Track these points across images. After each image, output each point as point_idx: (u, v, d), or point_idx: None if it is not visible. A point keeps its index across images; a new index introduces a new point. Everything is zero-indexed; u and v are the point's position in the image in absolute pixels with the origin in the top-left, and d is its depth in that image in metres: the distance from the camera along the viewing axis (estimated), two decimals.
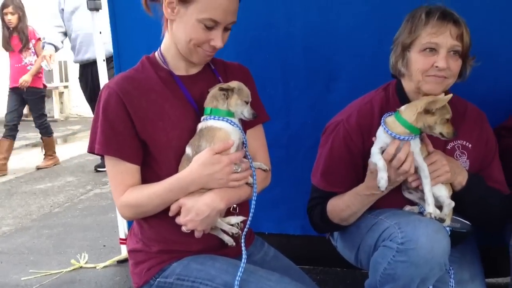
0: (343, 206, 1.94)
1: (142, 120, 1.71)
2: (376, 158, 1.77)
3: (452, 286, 1.77)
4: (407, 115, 1.76)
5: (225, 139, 1.69)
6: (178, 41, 1.73)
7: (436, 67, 1.84)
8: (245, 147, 1.76)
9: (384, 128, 1.78)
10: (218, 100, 1.72)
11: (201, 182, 1.67)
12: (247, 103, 1.74)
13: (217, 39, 1.70)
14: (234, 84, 1.73)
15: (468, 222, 1.89)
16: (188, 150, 1.71)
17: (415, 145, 1.77)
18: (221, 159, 1.65)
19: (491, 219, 1.97)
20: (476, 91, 2.08)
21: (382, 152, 1.77)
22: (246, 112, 1.74)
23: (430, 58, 1.85)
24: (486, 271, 2.03)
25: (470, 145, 1.99)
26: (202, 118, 1.73)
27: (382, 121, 1.82)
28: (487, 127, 2.06)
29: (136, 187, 1.73)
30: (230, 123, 1.72)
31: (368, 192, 1.85)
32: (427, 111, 1.74)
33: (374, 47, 2.57)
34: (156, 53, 1.84)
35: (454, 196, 1.84)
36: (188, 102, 1.77)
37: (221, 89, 1.71)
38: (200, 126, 1.73)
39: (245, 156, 1.77)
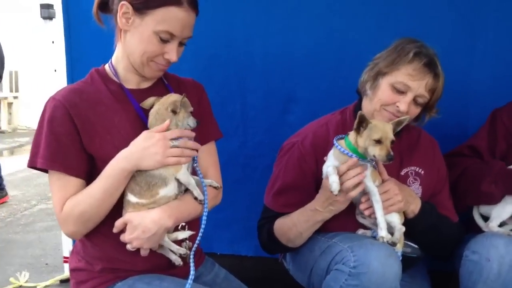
0: (290, 224, 1.92)
1: (89, 134, 1.65)
2: (326, 166, 1.77)
3: None
4: (351, 138, 1.76)
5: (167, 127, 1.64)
6: (131, 53, 1.69)
7: (397, 107, 1.85)
8: (195, 163, 1.71)
9: (336, 145, 1.78)
10: (165, 119, 1.65)
11: (135, 158, 1.58)
12: (191, 113, 1.70)
13: (172, 53, 1.66)
14: (175, 97, 1.67)
15: (417, 247, 1.91)
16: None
17: (368, 171, 1.76)
18: (153, 134, 1.60)
19: (441, 246, 1.99)
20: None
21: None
22: (190, 121, 1.68)
23: (396, 96, 1.87)
24: None
25: (423, 172, 2.02)
26: None
27: (334, 141, 1.81)
28: (438, 154, 2.10)
29: (74, 195, 1.64)
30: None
31: (312, 207, 1.83)
32: (357, 133, 1.72)
33: (332, 70, 2.62)
34: (106, 65, 1.79)
35: (406, 223, 1.85)
36: (139, 116, 1.71)
37: (172, 110, 1.64)
38: None
39: (195, 173, 1.73)
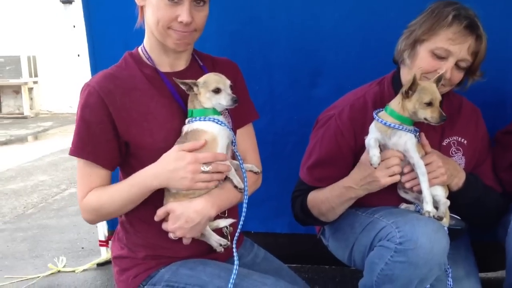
0: (322, 198, 1.90)
1: (125, 121, 1.62)
2: (368, 139, 1.74)
3: (450, 285, 1.74)
4: (394, 105, 1.74)
5: (210, 142, 1.60)
6: (151, 27, 1.66)
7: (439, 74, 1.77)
8: (234, 146, 1.68)
9: (376, 118, 1.74)
10: (193, 100, 1.63)
11: (163, 178, 1.57)
12: (218, 91, 1.60)
13: (183, 14, 1.58)
14: (200, 78, 1.62)
15: (460, 219, 1.86)
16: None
17: (411, 141, 1.72)
18: (185, 156, 1.55)
19: (485, 217, 1.95)
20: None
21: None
22: (223, 100, 1.60)
23: (437, 62, 1.79)
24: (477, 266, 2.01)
25: (465, 141, 1.96)
26: (186, 120, 1.65)
27: (374, 114, 1.78)
28: (481, 123, 2.03)
29: (99, 188, 1.65)
30: (217, 123, 1.62)
31: (346, 184, 1.80)
32: (406, 97, 1.70)
33: (359, 41, 2.54)
34: (139, 49, 1.76)
35: (450, 196, 1.80)
36: (175, 100, 1.68)
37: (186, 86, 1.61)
38: (185, 128, 1.64)
39: (233, 157, 1.70)
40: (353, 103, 1.95)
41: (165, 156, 1.58)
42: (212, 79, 1.62)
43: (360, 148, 1.83)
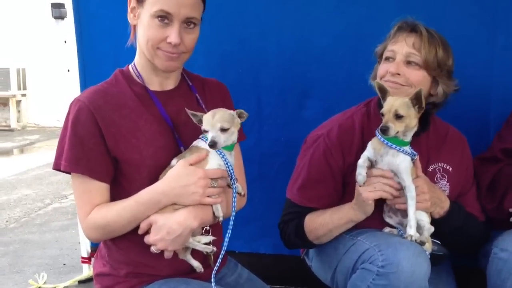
0: (322, 221, 1.88)
1: (114, 137, 1.63)
2: (361, 156, 1.76)
3: None
4: None
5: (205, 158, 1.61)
6: (141, 46, 1.68)
7: (390, 73, 1.86)
8: (231, 179, 1.67)
9: (377, 134, 1.74)
10: None
11: (174, 194, 1.57)
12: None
13: (173, 35, 1.61)
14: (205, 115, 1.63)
15: (442, 245, 1.88)
16: (174, 162, 1.64)
17: (404, 164, 1.73)
18: (196, 171, 1.57)
19: (468, 247, 1.98)
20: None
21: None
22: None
23: (387, 65, 1.90)
24: None
25: (450, 169, 1.98)
26: (200, 136, 1.67)
27: (377, 131, 1.77)
28: (467, 152, 2.06)
29: (103, 205, 1.63)
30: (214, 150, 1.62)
31: (349, 205, 1.82)
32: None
33: (348, 64, 2.57)
34: (130, 66, 1.77)
35: (433, 223, 1.82)
36: (163, 119, 1.70)
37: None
38: (193, 143, 1.67)
39: (229, 185, 1.70)
40: (341, 123, 1.98)
41: (174, 173, 1.59)
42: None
43: (348, 168, 1.85)
